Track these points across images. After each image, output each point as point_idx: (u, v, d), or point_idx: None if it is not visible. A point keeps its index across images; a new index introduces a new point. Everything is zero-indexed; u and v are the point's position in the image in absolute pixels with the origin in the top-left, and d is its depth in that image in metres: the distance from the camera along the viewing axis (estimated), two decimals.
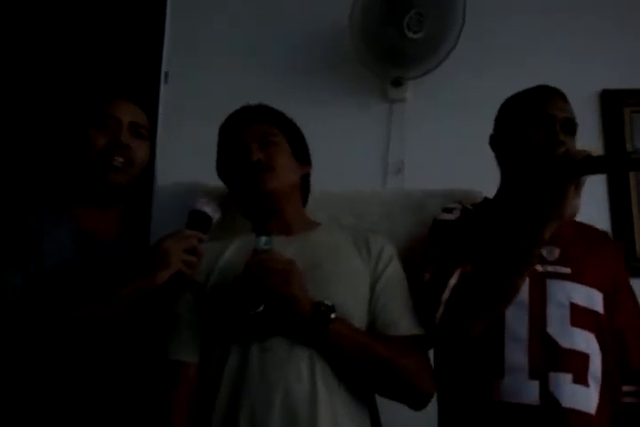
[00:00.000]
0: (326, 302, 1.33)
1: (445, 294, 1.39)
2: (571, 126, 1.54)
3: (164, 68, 2.38)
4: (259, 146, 1.53)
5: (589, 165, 1.39)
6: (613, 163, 1.42)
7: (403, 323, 1.42)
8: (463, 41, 2.34)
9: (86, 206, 1.56)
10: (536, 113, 1.53)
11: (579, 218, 1.60)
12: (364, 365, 1.35)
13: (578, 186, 1.40)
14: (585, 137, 2.23)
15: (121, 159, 1.53)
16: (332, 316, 1.32)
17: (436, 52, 2.36)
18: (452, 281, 1.41)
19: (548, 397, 1.36)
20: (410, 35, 2.35)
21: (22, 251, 1.44)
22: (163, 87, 2.35)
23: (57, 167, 1.68)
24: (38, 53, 2.41)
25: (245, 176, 1.52)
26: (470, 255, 1.45)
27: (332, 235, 1.55)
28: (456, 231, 1.52)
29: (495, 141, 1.64)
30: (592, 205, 2.29)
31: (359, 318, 1.41)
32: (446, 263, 1.44)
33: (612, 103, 2.42)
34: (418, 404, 1.42)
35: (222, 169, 1.62)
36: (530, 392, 1.37)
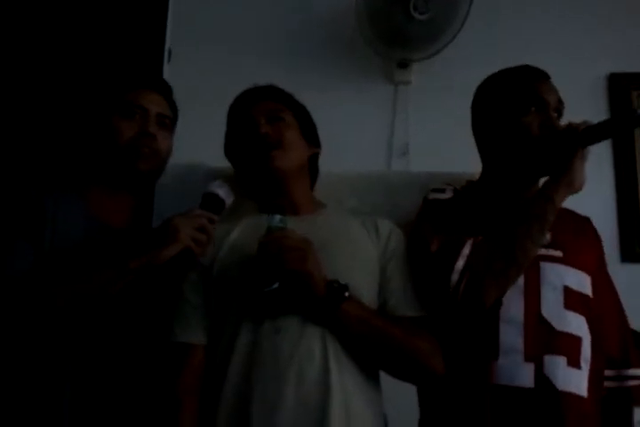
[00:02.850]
0: (340, 280, 1.33)
1: (460, 263, 1.38)
2: (560, 108, 1.53)
3: (167, 47, 2.36)
4: (266, 120, 1.53)
5: (592, 132, 1.42)
6: (613, 125, 1.44)
7: (414, 304, 1.42)
8: (469, 23, 2.32)
9: (101, 193, 1.57)
10: (526, 97, 1.50)
11: (586, 204, 1.61)
12: (376, 345, 1.35)
13: (582, 158, 1.43)
14: (593, 120, 2.24)
15: (147, 150, 1.54)
16: (346, 294, 1.32)
17: (442, 34, 2.35)
18: (466, 250, 1.40)
19: (544, 380, 1.36)
20: (416, 16, 2.33)
21: (36, 227, 1.44)
22: (166, 66, 2.34)
23: (77, 151, 1.67)
24: (43, 31, 2.40)
25: (254, 152, 1.50)
26: (475, 229, 1.44)
27: (340, 217, 1.55)
28: (454, 208, 1.51)
29: (479, 126, 1.61)
30: (598, 191, 2.30)
31: (370, 299, 1.40)
32: (455, 235, 1.43)
33: (620, 87, 2.41)
34: (428, 384, 1.43)
35: (230, 147, 1.61)
36: (525, 375, 1.36)
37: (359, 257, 1.44)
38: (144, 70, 2.25)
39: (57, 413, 1.37)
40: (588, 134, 1.42)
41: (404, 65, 2.44)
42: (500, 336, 1.39)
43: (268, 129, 1.51)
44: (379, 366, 1.40)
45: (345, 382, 1.31)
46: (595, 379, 1.42)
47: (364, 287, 1.40)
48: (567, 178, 1.41)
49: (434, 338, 1.41)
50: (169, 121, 1.61)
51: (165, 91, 1.64)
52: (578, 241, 1.53)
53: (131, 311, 1.46)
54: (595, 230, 1.62)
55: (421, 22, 2.34)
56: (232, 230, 1.48)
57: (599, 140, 1.43)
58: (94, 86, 1.99)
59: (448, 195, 1.56)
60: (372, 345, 1.35)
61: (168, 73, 2.35)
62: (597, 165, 2.29)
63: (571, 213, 1.60)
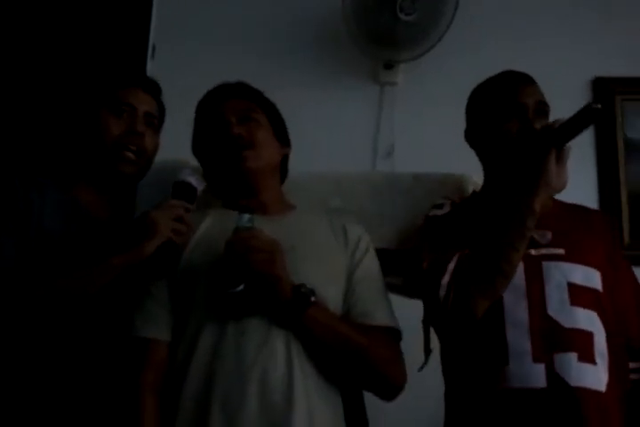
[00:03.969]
0: (308, 285, 1.31)
1: (445, 278, 1.39)
2: (543, 109, 1.52)
3: (151, 43, 2.35)
4: (238, 120, 1.50)
5: (566, 128, 1.40)
6: (582, 118, 1.41)
7: (379, 313, 1.41)
8: (456, 25, 2.33)
9: (87, 187, 1.57)
10: (507, 103, 1.51)
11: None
12: (338, 351, 1.34)
13: (561, 156, 1.42)
14: None
15: (134, 148, 1.54)
16: (313, 299, 1.31)
17: (428, 36, 2.35)
18: (451, 265, 1.40)
19: (555, 378, 1.34)
20: (403, 17, 2.34)
21: (19, 222, 1.42)
22: (150, 62, 2.33)
23: (64, 145, 1.67)
24: (28, 25, 2.39)
25: (226, 152, 1.48)
26: (466, 243, 1.44)
27: (309, 219, 1.52)
28: (448, 224, 1.51)
29: (470, 135, 1.62)
30: (580, 193, 2.30)
31: (335, 305, 1.39)
32: (444, 251, 1.44)
33: (605, 91, 2.42)
34: (388, 395, 1.41)
35: (199, 145, 1.58)
36: (536, 376, 1.35)
37: (325, 262, 1.42)
38: (128, 66, 2.24)
39: (32, 407, 1.36)
40: (562, 131, 1.41)
41: (390, 66, 2.44)
42: (508, 340, 1.38)
43: (241, 130, 1.48)
44: (340, 372, 1.38)
45: (308, 385, 1.30)
46: (615, 373, 1.40)
47: (330, 293, 1.38)
48: (542, 180, 1.40)
49: (396, 348, 1.41)
50: (156, 121, 1.62)
51: (155, 91, 1.64)
52: (583, 237, 1.51)
53: (110, 307, 1.44)
54: (605, 223, 1.59)
55: (408, 23, 2.34)
56: (199, 225, 1.45)
57: (568, 138, 1.42)
58: (84, 80, 2.00)
59: (445, 210, 1.56)
60: (336, 351, 1.34)
61: (151, 69, 2.34)
62: (579, 165, 2.30)
63: (577, 208, 1.59)
